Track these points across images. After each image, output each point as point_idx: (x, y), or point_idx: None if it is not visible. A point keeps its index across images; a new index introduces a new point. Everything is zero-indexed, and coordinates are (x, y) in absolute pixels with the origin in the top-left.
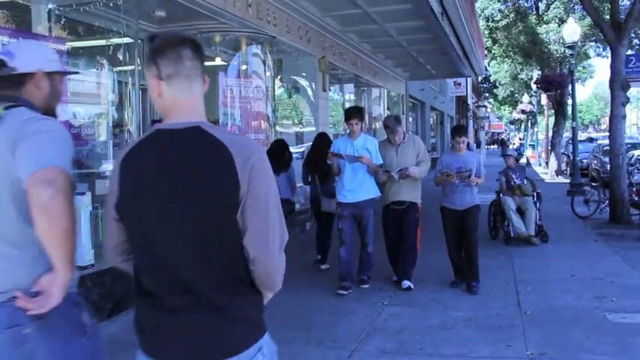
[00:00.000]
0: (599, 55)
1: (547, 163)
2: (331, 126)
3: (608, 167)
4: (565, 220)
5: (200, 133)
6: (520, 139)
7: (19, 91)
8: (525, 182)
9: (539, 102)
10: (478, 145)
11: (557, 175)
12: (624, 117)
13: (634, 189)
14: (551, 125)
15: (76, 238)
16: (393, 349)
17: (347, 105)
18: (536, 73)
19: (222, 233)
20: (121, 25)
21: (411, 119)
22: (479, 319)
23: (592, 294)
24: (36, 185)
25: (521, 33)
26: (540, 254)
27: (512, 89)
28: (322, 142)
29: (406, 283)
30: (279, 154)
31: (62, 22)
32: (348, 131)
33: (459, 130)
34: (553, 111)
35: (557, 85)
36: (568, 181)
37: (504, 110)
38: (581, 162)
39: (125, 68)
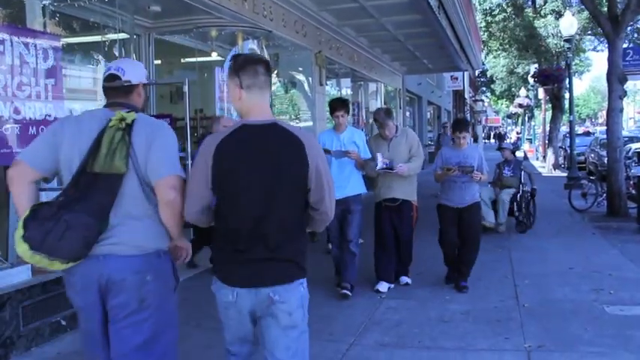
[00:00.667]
0: (594, 49)
1: (544, 156)
2: (328, 120)
3: (606, 160)
4: (562, 213)
5: (277, 127)
6: (517, 133)
7: (127, 98)
8: (522, 175)
9: (536, 96)
10: (475, 140)
11: (554, 169)
12: (621, 110)
13: (631, 182)
14: (548, 119)
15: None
16: (391, 342)
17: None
18: (533, 67)
19: (292, 194)
20: (117, 20)
21: (408, 114)
22: (477, 312)
23: (590, 287)
24: (166, 188)
25: (518, 27)
26: (538, 247)
27: (510, 83)
28: None
29: (404, 279)
30: None
31: (57, 18)
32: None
33: (461, 125)
34: (550, 105)
35: (554, 78)
36: (565, 174)
37: (501, 104)
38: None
39: None
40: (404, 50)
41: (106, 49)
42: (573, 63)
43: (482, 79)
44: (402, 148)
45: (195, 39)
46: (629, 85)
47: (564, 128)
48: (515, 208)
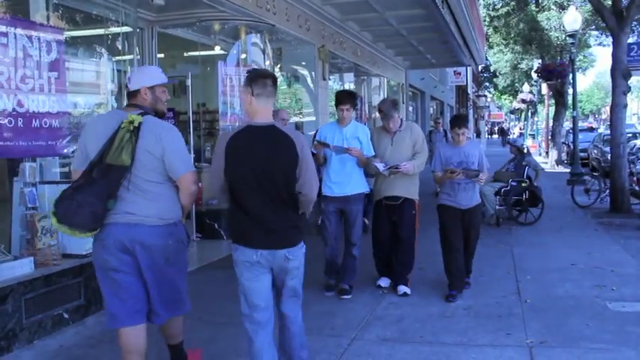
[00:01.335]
0: (600, 44)
1: (547, 152)
2: (331, 115)
3: (609, 156)
4: (565, 209)
5: (274, 128)
6: (520, 128)
7: (135, 100)
8: (527, 170)
9: (539, 91)
10: (478, 135)
11: (557, 165)
12: (625, 106)
13: (634, 178)
14: (551, 115)
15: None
16: (393, 337)
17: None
18: (536, 63)
19: (287, 181)
20: (120, 13)
21: (411, 108)
22: (479, 307)
23: (592, 283)
24: (188, 183)
25: (521, 21)
26: (540, 243)
27: (513, 79)
28: None
29: (402, 289)
30: None
31: (60, 11)
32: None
33: (459, 121)
34: (553, 100)
35: (557, 74)
36: (568, 170)
37: (504, 100)
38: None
39: (124, 57)
40: (407, 45)
41: (109, 42)
42: (577, 58)
43: (485, 75)
44: (406, 144)
45: (199, 33)
46: (633, 80)
47: (567, 124)
48: (497, 202)
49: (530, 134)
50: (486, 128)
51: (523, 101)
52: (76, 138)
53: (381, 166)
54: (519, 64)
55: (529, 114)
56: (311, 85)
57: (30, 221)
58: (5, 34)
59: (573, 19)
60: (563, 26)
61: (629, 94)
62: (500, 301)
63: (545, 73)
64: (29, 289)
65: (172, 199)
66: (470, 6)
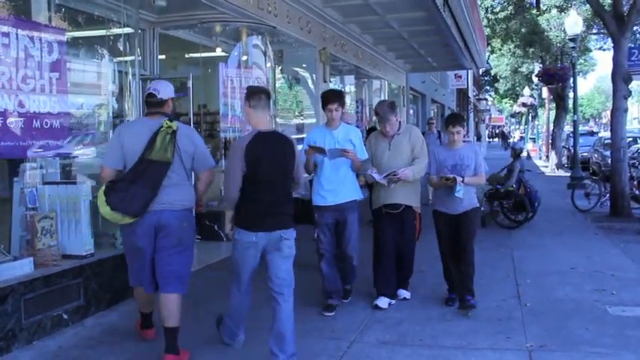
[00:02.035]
0: (600, 48)
1: (547, 156)
2: None
3: (609, 161)
4: (565, 213)
5: (276, 133)
6: (521, 132)
7: (161, 108)
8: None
9: (540, 95)
10: (479, 139)
11: (557, 169)
12: (626, 110)
13: (635, 182)
14: (552, 118)
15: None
16: (393, 339)
17: (347, 97)
18: (537, 66)
19: (289, 175)
20: (121, 14)
21: (411, 111)
22: (478, 310)
23: (592, 287)
24: (209, 175)
25: (521, 24)
26: (540, 247)
27: (514, 82)
28: None
29: (402, 293)
30: None
31: (62, 11)
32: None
33: (454, 119)
34: (554, 104)
35: (558, 78)
36: (568, 174)
37: (505, 103)
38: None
39: (125, 58)
40: (408, 48)
41: (111, 43)
42: (578, 62)
43: (486, 78)
44: (404, 148)
45: (200, 34)
46: (634, 85)
47: (568, 128)
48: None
49: (530, 138)
50: (487, 132)
51: (524, 105)
52: (76, 139)
53: (377, 176)
54: (520, 67)
55: (530, 118)
56: (312, 88)
57: (30, 222)
58: (7, 35)
59: (574, 22)
60: (564, 26)
61: (629, 99)
62: (500, 304)
63: (546, 76)
64: (29, 289)
65: (190, 189)
66: (471, 9)
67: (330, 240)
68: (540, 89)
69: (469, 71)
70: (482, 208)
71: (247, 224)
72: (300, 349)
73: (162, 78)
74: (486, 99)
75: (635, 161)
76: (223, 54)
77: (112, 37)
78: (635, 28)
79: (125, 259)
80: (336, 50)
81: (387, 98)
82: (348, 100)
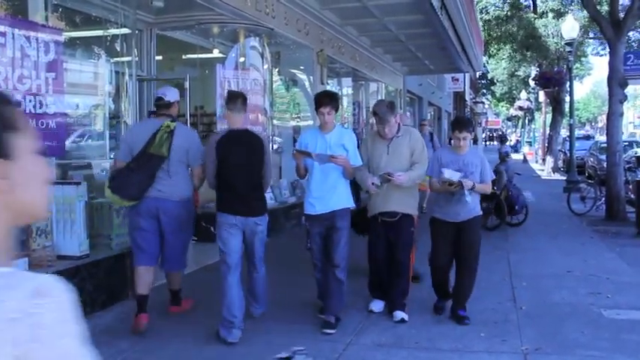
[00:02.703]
0: (597, 53)
1: (544, 159)
2: None
3: (605, 164)
4: (561, 216)
5: (249, 132)
6: (517, 136)
7: (168, 111)
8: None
9: (536, 99)
10: (475, 142)
11: (553, 172)
12: (622, 114)
13: (630, 186)
14: (548, 122)
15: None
16: (389, 342)
17: (345, 99)
18: (534, 70)
19: (259, 170)
20: (119, 15)
21: (408, 114)
22: (474, 313)
23: (587, 290)
24: (200, 171)
25: (518, 27)
26: (536, 250)
27: (510, 86)
28: None
29: (399, 315)
30: None
31: (59, 11)
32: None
33: (461, 124)
34: (550, 108)
35: (555, 81)
36: (564, 178)
37: (502, 107)
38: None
39: (122, 59)
40: (405, 51)
41: (108, 43)
42: (574, 67)
43: (483, 81)
44: (403, 151)
45: (197, 35)
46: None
47: (564, 131)
48: None
49: (527, 141)
50: (483, 135)
51: (520, 108)
52: (72, 139)
53: (376, 179)
54: (517, 71)
55: (526, 121)
56: (309, 90)
57: None
58: (3, 34)
59: (571, 27)
60: (561, 33)
61: (625, 103)
62: (495, 307)
63: (543, 80)
64: None
65: (188, 182)
66: (468, 12)
67: (322, 249)
68: (537, 93)
69: (466, 74)
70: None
71: (225, 209)
72: None
73: (159, 78)
74: (483, 102)
75: (630, 165)
76: (220, 55)
77: (109, 38)
78: (630, 33)
79: (119, 261)
80: (333, 52)
81: (382, 98)
82: (345, 102)
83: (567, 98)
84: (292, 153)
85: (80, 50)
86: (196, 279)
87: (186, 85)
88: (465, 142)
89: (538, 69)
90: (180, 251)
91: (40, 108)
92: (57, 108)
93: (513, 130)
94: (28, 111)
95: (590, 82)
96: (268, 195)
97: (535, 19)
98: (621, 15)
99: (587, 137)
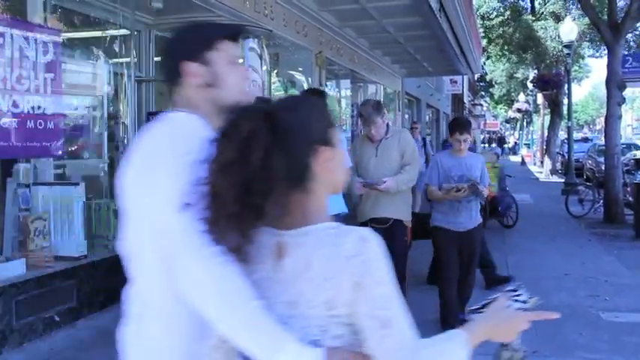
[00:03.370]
0: (592, 56)
1: (542, 162)
2: None
3: (603, 167)
4: (559, 219)
5: None
6: (515, 139)
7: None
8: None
9: (535, 101)
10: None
11: (551, 174)
12: (620, 117)
13: (628, 189)
14: (546, 124)
15: None
16: None
17: (343, 101)
18: (532, 73)
19: None
20: (118, 16)
21: (406, 116)
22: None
23: (586, 293)
24: None
25: (517, 30)
26: (534, 252)
27: (509, 88)
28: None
29: None
30: None
31: (58, 12)
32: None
33: (461, 125)
34: (549, 110)
35: (553, 84)
36: (562, 180)
37: (500, 109)
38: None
39: (121, 60)
40: (404, 53)
41: (106, 44)
42: (572, 69)
43: (481, 84)
44: (392, 154)
45: None
46: (628, 92)
47: (562, 134)
48: None
49: (525, 144)
50: (481, 137)
51: (519, 111)
52: (71, 139)
53: (359, 185)
54: (515, 73)
55: (524, 123)
56: None
57: (23, 222)
58: (2, 35)
59: (569, 29)
60: (559, 37)
61: (623, 106)
62: None
63: (541, 83)
64: (20, 291)
65: None
66: (467, 15)
67: None
68: (535, 95)
69: (464, 76)
70: None
71: None
72: None
73: (158, 80)
74: (481, 104)
75: (628, 167)
76: None
77: (107, 39)
78: (628, 35)
79: (117, 262)
80: (332, 54)
81: (382, 101)
82: (343, 104)
83: (565, 100)
84: None
85: (79, 51)
86: None
87: None
88: (465, 144)
89: (536, 71)
90: None
91: (39, 108)
92: (55, 109)
93: (512, 132)
94: (26, 111)
95: (588, 85)
96: None
97: (533, 21)
98: (620, 18)
99: (586, 139)
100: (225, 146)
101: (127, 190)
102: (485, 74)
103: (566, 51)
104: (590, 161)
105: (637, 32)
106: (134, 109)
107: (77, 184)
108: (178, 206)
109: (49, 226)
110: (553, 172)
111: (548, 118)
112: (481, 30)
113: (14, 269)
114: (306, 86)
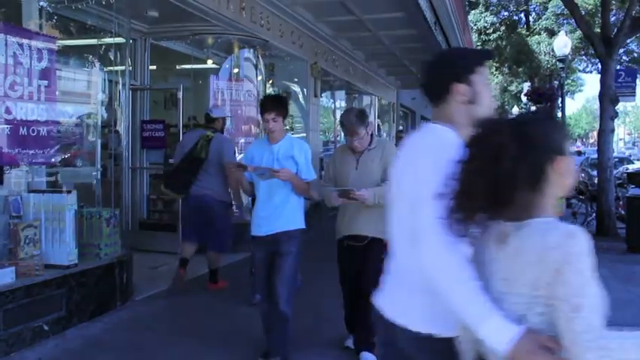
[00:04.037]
0: (583, 70)
1: None
2: (321, 133)
3: (596, 180)
4: None
5: None
6: None
7: (213, 124)
8: None
9: None
10: None
11: None
12: (613, 131)
13: (621, 202)
14: None
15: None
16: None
17: (338, 112)
18: (526, 86)
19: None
20: (113, 24)
21: (401, 127)
22: None
23: None
24: (226, 170)
25: (511, 45)
26: None
27: (502, 101)
28: None
29: (367, 357)
30: None
31: (53, 20)
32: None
33: None
34: None
35: (547, 97)
36: None
37: None
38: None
39: (116, 68)
40: (399, 65)
41: (102, 52)
42: (566, 83)
43: None
44: (374, 167)
45: (192, 46)
46: (620, 106)
47: None
48: None
49: None
50: None
51: None
52: (64, 147)
53: (335, 194)
54: (509, 86)
55: None
56: (302, 102)
57: (13, 230)
58: None
59: (563, 43)
60: (553, 51)
61: (615, 120)
62: None
63: (535, 96)
64: (9, 299)
65: (222, 179)
66: (462, 28)
67: (264, 275)
68: (529, 108)
69: None
70: None
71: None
72: None
73: (153, 88)
74: None
75: (621, 181)
76: (214, 66)
77: (103, 47)
78: (621, 50)
79: (108, 271)
80: (327, 65)
81: (377, 113)
82: (338, 115)
83: (559, 114)
84: (226, 165)
85: (74, 58)
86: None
87: (180, 95)
88: None
89: (530, 85)
90: (216, 236)
91: (32, 115)
92: (49, 116)
93: None
94: (19, 118)
95: (581, 98)
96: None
97: (527, 36)
98: (612, 32)
99: (579, 153)
100: (477, 154)
101: (395, 177)
102: None
103: (559, 65)
104: (582, 174)
105: (629, 47)
106: (128, 117)
107: (69, 191)
108: (433, 194)
109: (39, 234)
110: None
111: None
112: (478, 44)
113: (3, 277)
114: (301, 97)
